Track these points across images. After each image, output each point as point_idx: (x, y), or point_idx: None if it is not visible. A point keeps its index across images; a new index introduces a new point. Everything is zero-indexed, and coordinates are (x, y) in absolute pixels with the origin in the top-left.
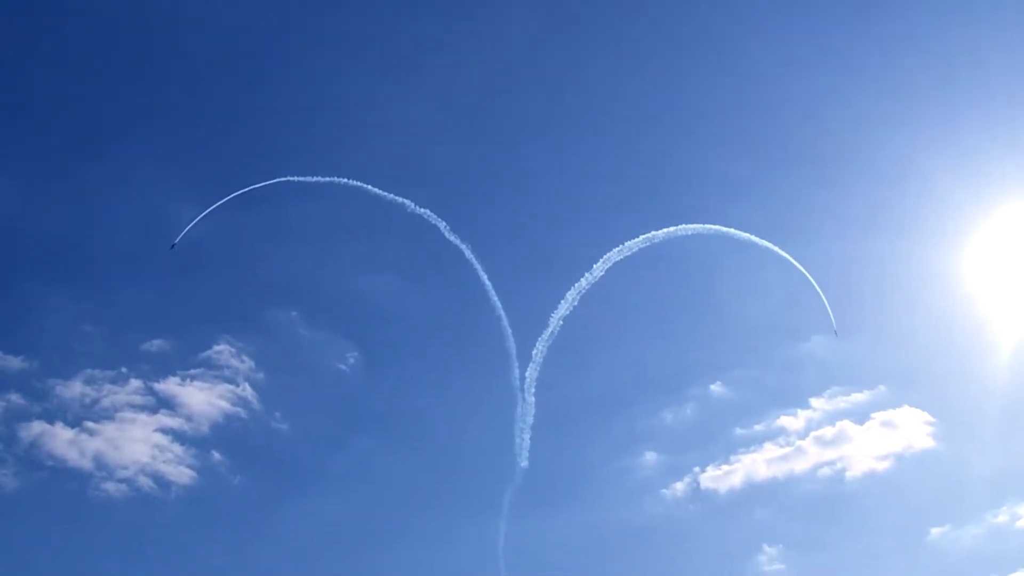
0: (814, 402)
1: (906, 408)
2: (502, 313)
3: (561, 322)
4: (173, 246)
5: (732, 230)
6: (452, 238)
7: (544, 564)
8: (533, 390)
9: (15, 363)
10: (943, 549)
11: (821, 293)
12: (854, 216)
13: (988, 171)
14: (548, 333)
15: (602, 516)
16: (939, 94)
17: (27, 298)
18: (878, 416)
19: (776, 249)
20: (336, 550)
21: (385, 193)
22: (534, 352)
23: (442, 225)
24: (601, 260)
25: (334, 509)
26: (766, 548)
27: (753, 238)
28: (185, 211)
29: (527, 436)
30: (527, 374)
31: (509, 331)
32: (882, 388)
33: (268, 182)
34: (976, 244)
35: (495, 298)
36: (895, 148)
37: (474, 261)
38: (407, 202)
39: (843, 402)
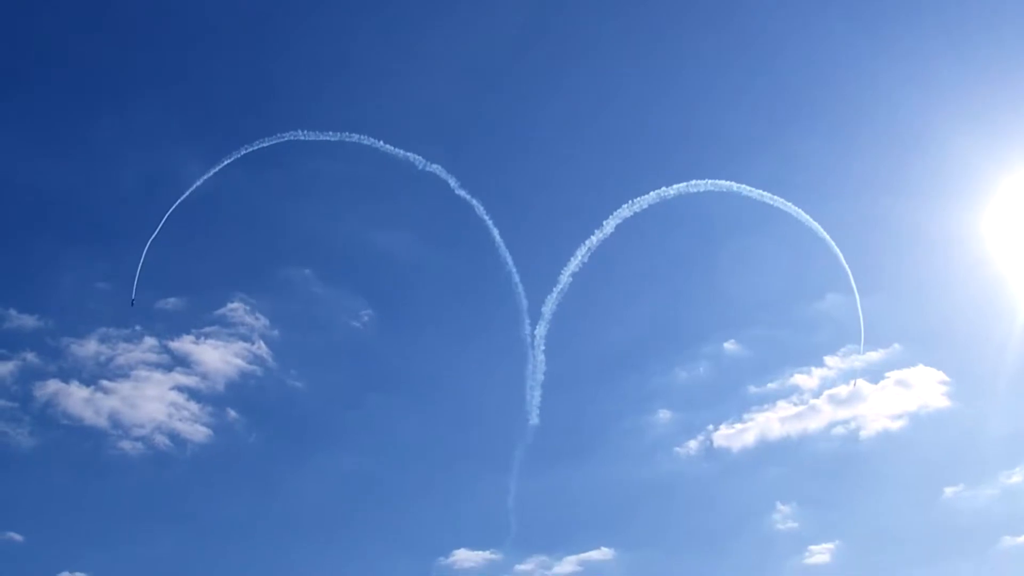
0: (828, 360)
1: (921, 367)
2: (513, 269)
3: (571, 279)
4: (132, 303)
5: (745, 187)
6: (463, 194)
7: (556, 521)
8: (543, 347)
9: (30, 322)
10: (957, 509)
11: (837, 251)
12: (871, 176)
13: (1007, 133)
14: (558, 290)
15: (615, 474)
16: (958, 54)
17: (41, 256)
18: (893, 375)
19: (790, 206)
20: (350, 506)
21: (396, 150)
22: (543, 309)
23: (453, 181)
24: (612, 216)
25: (348, 465)
26: (780, 506)
27: (767, 195)
28: (194, 167)
29: (537, 393)
30: (536, 331)
31: (520, 287)
32: (897, 347)
33: (277, 139)
34: (994, 205)
35: (507, 255)
36: (913, 108)
37: (485, 217)
38: (418, 158)
39: (858, 361)
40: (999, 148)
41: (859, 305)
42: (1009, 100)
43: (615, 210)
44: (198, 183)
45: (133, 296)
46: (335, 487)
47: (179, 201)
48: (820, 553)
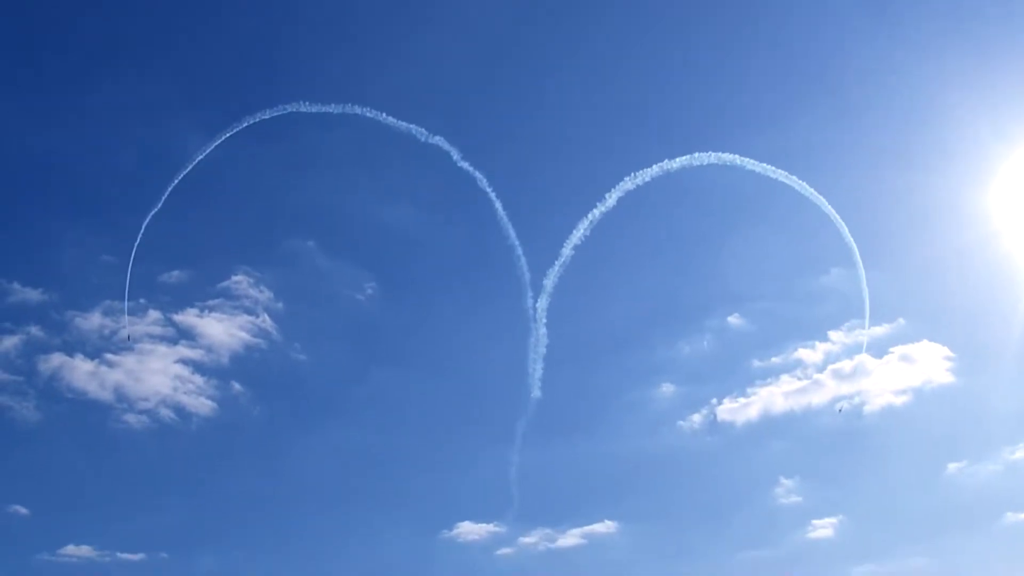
0: (833, 335)
1: (925, 343)
2: (516, 242)
3: (573, 252)
4: (129, 338)
5: (749, 161)
6: (465, 166)
7: (560, 494)
8: (544, 320)
9: (34, 295)
10: (960, 484)
11: (842, 225)
12: (877, 149)
13: (1014, 108)
14: (560, 263)
15: (618, 447)
16: (965, 30)
17: (44, 230)
18: (897, 350)
19: (795, 180)
20: (354, 478)
21: (399, 122)
22: (545, 282)
23: (455, 154)
24: (614, 189)
25: (352, 438)
26: (783, 480)
27: (771, 169)
28: (196, 139)
29: (540, 366)
30: (538, 304)
31: (523, 260)
32: (901, 322)
33: (279, 111)
34: (1000, 181)
35: (509, 227)
36: (920, 83)
37: (488, 189)
38: (421, 131)
39: (862, 335)
40: (1006, 124)
41: (863, 280)
42: (1016, 76)
43: (618, 183)
44: (201, 156)
45: (128, 335)
46: (339, 459)
47: (183, 174)
48: (823, 527)
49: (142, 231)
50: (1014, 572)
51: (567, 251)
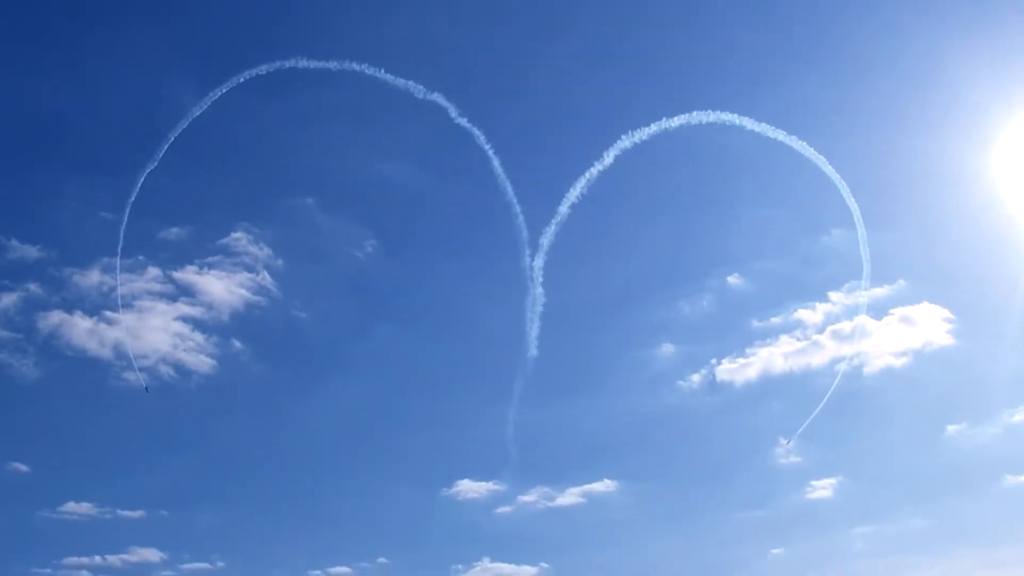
0: (833, 296)
1: (925, 305)
2: (514, 199)
3: (570, 210)
4: (147, 389)
5: (749, 120)
6: (463, 123)
7: (559, 453)
8: (541, 279)
9: (32, 252)
10: (958, 446)
11: (843, 185)
12: (880, 111)
13: (1019, 71)
14: (556, 221)
15: (617, 407)
16: None
17: (42, 186)
18: (897, 312)
19: (795, 140)
20: (354, 436)
21: (396, 79)
22: (541, 240)
23: (453, 110)
24: (611, 148)
25: (352, 395)
26: (782, 441)
27: (771, 129)
28: (192, 93)
29: (536, 325)
30: (535, 263)
31: (521, 218)
32: (902, 283)
33: (277, 67)
34: (1004, 144)
35: (507, 184)
36: (923, 44)
37: (486, 146)
38: (419, 87)
39: (862, 297)
40: (1010, 87)
41: (863, 241)
42: (1021, 38)
43: (616, 141)
44: (198, 111)
45: (145, 385)
46: (339, 417)
47: (180, 130)
48: (822, 488)
49: (138, 187)
50: (1013, 534)
51: (564, 210)
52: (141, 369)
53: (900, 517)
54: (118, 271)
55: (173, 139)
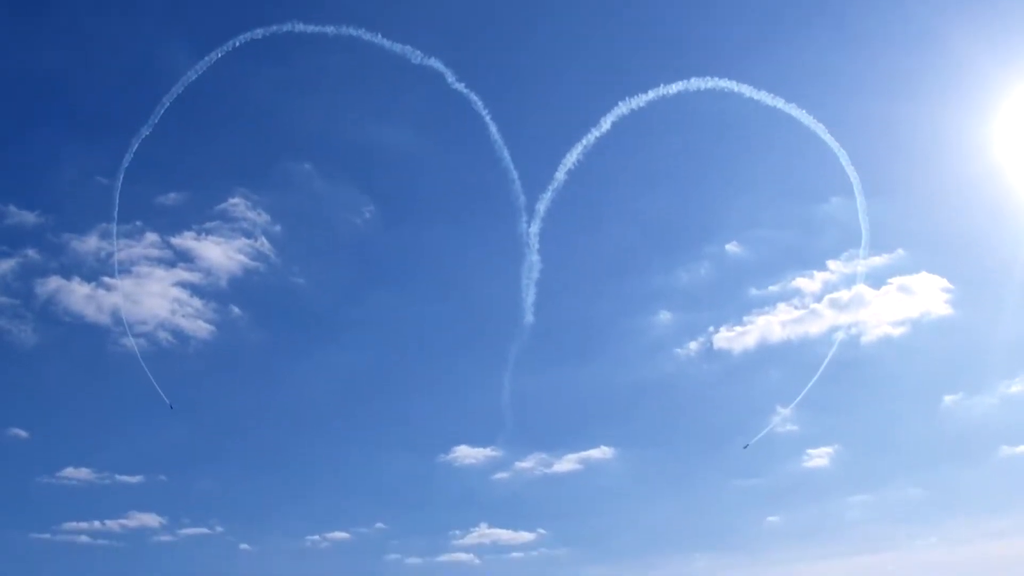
0: (831, 264)
1: (924, 274)
2: (511, 165)
3: (566, 176)
4: (171, 407)
5: (747, 87)
6: (460, 88)
7: (556, 419)
8: (537, 246)
9: (29, 218)
10: (955, 416)
11: (841, 153)
12: (880, 79)
13: (1019, 40)
14: (552, 188)
15: (615, 374)
16: None
17: (39, 151)
18: (895, 281)
19: (793, 107)
20: (352, 401)
21: (393, 44)
22: (537, 207)
23: (450, 75)
24: (608, 114)
25: (350, 361)
26: (779, 409)
27: (767, 96)
28: (190, 58)
29: (532, 292)
30: (531, 230)
31: (518, 184)
32: (901, 252)
33: (273, 30)
34: (1005, 114)
35: (504, 150)
36: (924, 12)
37: (483, 112)
38: (416, 52)
39: (860, 265)
40: (1011, 57)
41: (862, 209)
42: (1022, 9)
43: (613, 107)
44: (194, 76)
45: (170, 403)
46: (337, 382)
47: (175, 95)
48: (819, 457)
49: (130, 152)
50: (1009, 504)
51: (560, 176)
52: (139, 335)
53: (896, 486)
54: (114, 237)
55: (168, 104)
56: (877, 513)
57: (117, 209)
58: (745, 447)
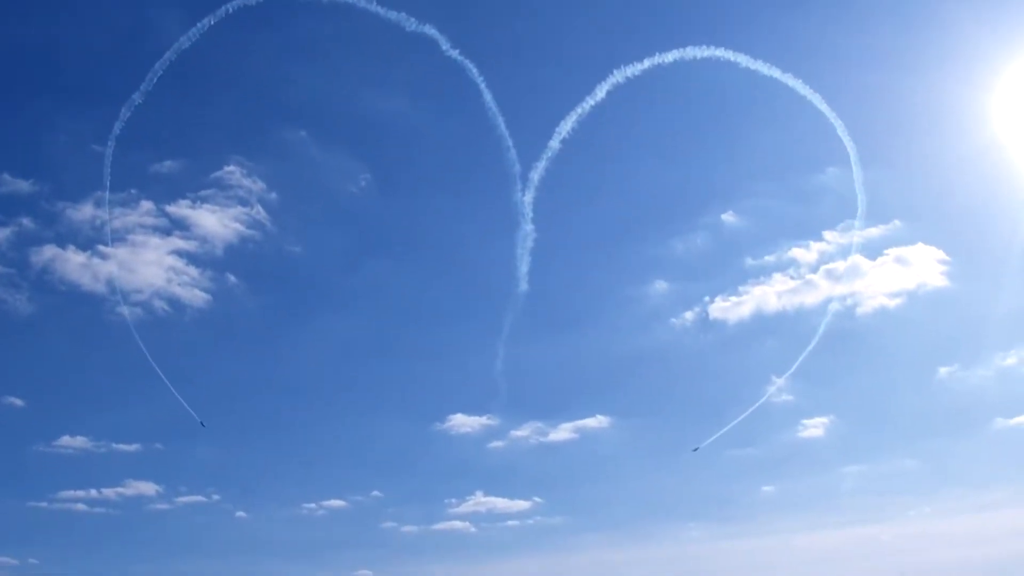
0: (827, 235)
1: (920, 246)
2: (505, 132)
3: (560, 145)
4: (202, 424)
5: (744, 56)
6: (455, 55)
7: (552, 388)
8: (531, 214)
9: (24, 187)
10: (950, 388)
11: (838, 123)
12: (877, 50)
13: (1019, 11)
14: (547, 156)
15: (610, 343)
16: None
17: (33, 119)
18: (892, 252)
19: (790, 77)
20: (347, 369)
21: (388, 11)
22: (532, 175)
23: (444, 42)
24: (604, 82)
25: (346, 329)
26: (774, 379)
27: (764, 66)
28: (185, 24)
29: (527, 260)
30: (525, 198)
31: (513, 152)
32: (897, 224)
33: None
34: (1004, 86)
35: (499, 118)
36: None
37: (478, 80)
38: (410, 19)
39: (857, 236)
40: (1011, 28)
41: (859, 180)
42: None
43: (608, 76)
44: (188, 43)
45: (201, 420)
46: (333, 351)
47: (166, 61)
48: (814, 427)
49: (121, 120)
50: (1004, 476)
51: (555, 145)
52: (135, 304)
53: (891, 457)
54: (107, 205)
55: (161, 72)
56: (872, 483)
57: (109, 177)
58: (695, 450)
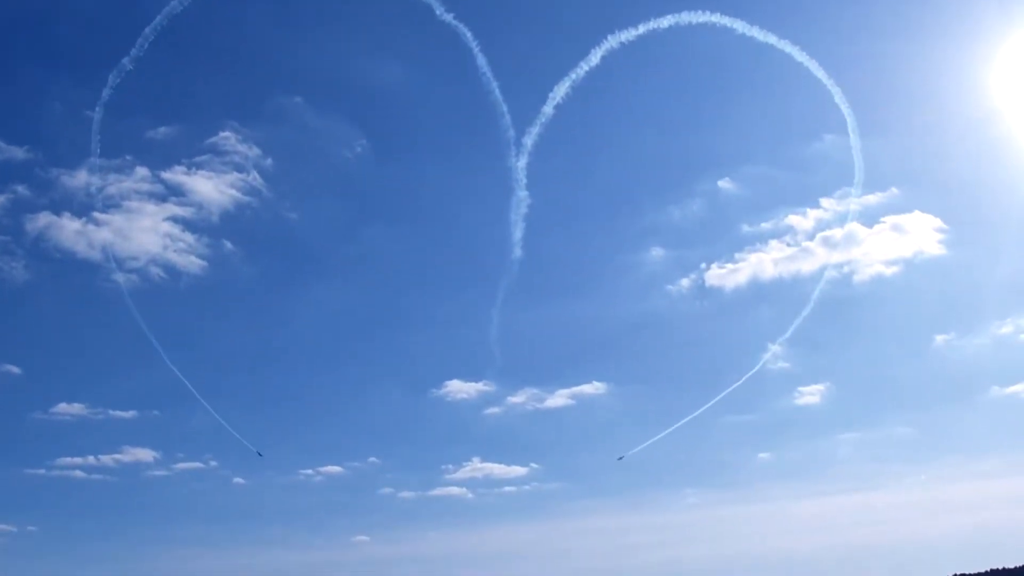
0: (824, 202)
1: (917, 214)
2: (500, 97)
3: (554, 111)
4: (259, 454)
5: (740, 22)
6: (449, 19)
7: (548, 355)
8: (525, 181)
9: (18, 154)
10: (946, 357)
11: (835, 90)
12: (875, 17)
13: None
14: (540, 122)
15: (607, 310)
16: None
17: (26, 85)
18: (889, 220)
19: (787, 44)
20: (344, 335)
21: None
22: (525, 140)
23: (438, 7)
24: (598, 47)
25: (342, 295)
26: (771, 346)
27: (760, 33)
28: None
29: (520, 227)
30: (519, 164)
31: (508, 118)
32: (894, 191)
33: None
34: (1004, 57)
35: (493, 83)
36: None
37: (472, 44)
38: None
39: (853, 204)
40: (1011, 2)
41: (856, 147)
42: None
43: (602, 40)
44: (179, 8)
45: (259, 451)
46: (330, 317)
47: (157, 27)
48: (810, 394)
49: (109, 87)
50: (998, 445)
51: (548, 110)
52: (131, 271)
53: (886, 425)
54: (97, 171)
55: (153, 38)
56: (867, 451)
57: (99, 143)
58: (620, 459)
